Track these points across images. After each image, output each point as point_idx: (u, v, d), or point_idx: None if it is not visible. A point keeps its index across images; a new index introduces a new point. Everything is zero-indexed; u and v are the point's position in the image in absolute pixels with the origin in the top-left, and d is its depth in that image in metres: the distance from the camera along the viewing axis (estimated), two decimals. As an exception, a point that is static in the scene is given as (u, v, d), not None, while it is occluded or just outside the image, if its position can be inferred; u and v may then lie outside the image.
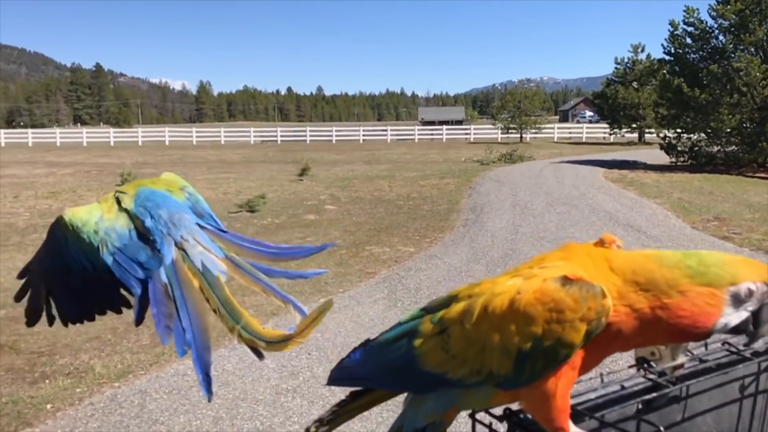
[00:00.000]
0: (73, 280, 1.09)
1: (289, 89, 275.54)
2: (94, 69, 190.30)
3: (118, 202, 1.13)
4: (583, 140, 41.81)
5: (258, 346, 1.06)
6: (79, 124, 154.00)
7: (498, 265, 7.32)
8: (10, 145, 41.99)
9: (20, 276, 1.21)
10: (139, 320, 1.07)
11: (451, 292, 0.84)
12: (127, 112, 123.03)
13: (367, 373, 0.89)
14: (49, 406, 4.01)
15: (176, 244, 1.07)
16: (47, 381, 4.43)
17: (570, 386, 0.75)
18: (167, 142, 43.52)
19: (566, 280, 0.73)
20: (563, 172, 18.76)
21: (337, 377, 0.94)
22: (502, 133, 41.84)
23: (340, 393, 3.22)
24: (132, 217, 1.10)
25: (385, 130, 47.37)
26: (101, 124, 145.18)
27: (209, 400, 1.09)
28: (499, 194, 13.64)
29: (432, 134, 46.92)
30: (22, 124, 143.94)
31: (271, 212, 11.76)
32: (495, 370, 0.75)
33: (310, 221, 10.91)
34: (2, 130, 50.90)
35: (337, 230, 10.01)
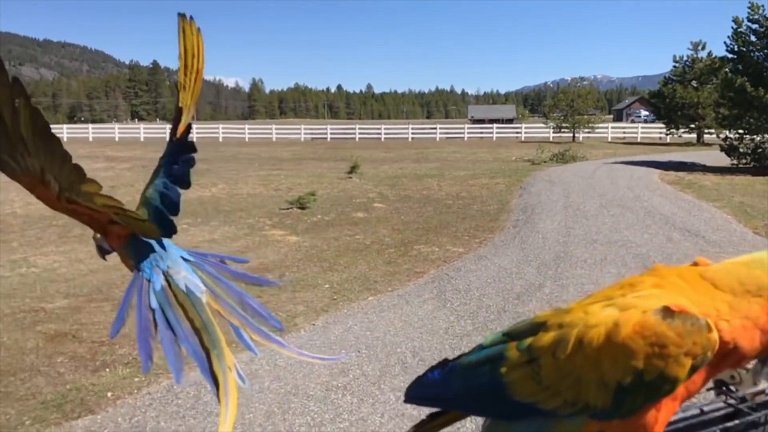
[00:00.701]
0: None
1: (339, 87, 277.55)
2: (151, 66, 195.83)
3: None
4: (638, 140, 40.74)
5: (218, 378, 1.12)
6: (136, 119, 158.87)
7: (549, 267, 7.22)
8: (72, 140, 43.64)
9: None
10: (114, 335, 1.19)
11: (535, 318, 0.83)
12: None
13: (449, 395, 0.88)
14: (109, 394, 4.16)
15: (163, 273, 1.21)
16: (107, 370, 4.60)
17: (669, 417, 0.74)
18: (221, 139, 44.46)
19: (668, 312, 0.71)
20: (617, 173, 18.34)
21: (415, 396, 0.95)
22: (553, 132, 41.15)
23: (389, 393, 3.25)
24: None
25: (434, 129, 47.20)
26: (157, 120, 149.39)
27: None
28: (551, 195, 13.44)
29: (482, 133, 46.52)
30: (82, 119, 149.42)
31: (321, 209, 11.89)
32: (591, 402, 0.73)
33: (359, 219, 10.98)
34: (65, 126, 52.97)
35: (386, 228, 10.05)
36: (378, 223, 10.52)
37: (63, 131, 47.41)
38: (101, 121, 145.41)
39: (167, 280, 1.22)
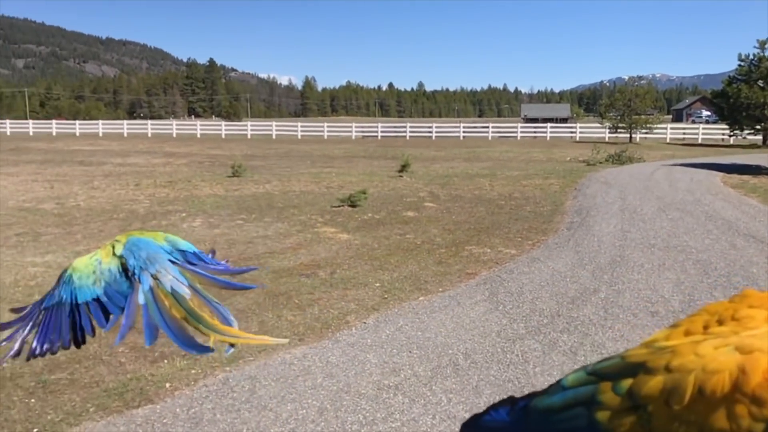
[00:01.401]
0: (56, 318, 1.42)
1: (390, 85, 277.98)
2: (207, 64, 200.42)
3: (113, 248, 1.52)
4: (699, 142, 39.40)
5: (217, 338, 1.42)
6: (193, 116, 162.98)
7: (605, 272, 7.06)
8: (132, 136, 45.07)
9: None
10: (108, 328, 1.45)
11: (627, 356, 0.76)
12: (237, 106, 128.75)
13: None
14: (167, 385, 4.29)
15: (152, 275, 1.46)
16: (165, 361, 4.73)
17: None
18: (274, 136, 45.18)
19: None
20: (676, 175, 17.78)
21: None
22: (609, 133, 40.21)
23: (441, 394, 3.23)
24: (120, 258, 1.49)
25: (486, 127, 46.75)
26: (213, 116, 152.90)
27: (209, 353, 1.45)
28: (607, 197, 13.14)
29: (535, 132, 45.84)
30: (142, 115, 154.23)
31: (372, 208, 11.94)
32: None
33: (409, 218, 10.98)
34: (125, 122, 54.79)
35: (437, 228, 10.01)
36: (429, 223, 10.50)
37: (123, 127, 49.03)
38: (159, 117, 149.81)
39: (156, 281, 1.46)
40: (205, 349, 1.41)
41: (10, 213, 11.30)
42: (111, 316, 1.44)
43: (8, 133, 47.90)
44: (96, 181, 16.42)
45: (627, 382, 0.72)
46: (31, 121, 55.85)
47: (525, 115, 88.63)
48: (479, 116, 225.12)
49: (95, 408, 3.95)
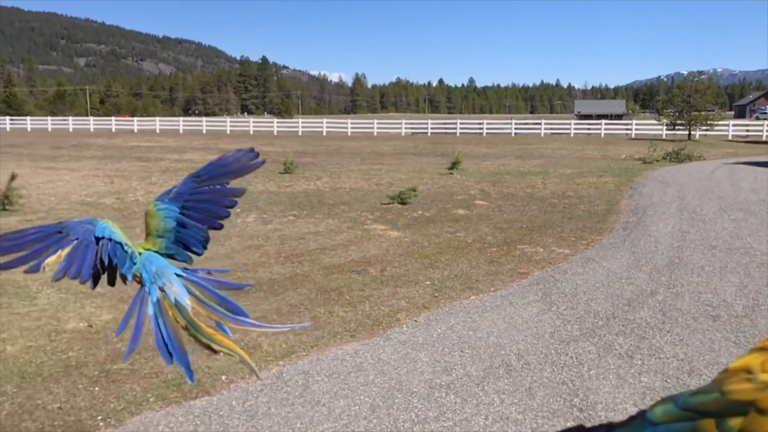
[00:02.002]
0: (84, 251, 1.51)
1: (441, 81, 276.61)
2: (260, 62, 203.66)
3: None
4: (763, 139, 37.83)
5: (216, 348, 1.60)
6: (246, 113, 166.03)
7: (663, 273, 6.87)
8: (187, 132, 46.23)
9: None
10: (119, 333, 1.58)
11: (730, 391, 0.68)
12: (288, 103, 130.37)
13: None
14: (223, 378, 4.39)
15: (160, 288, 1.60)
16: (221, 354, 4.84)
17: None
18: (324, 133, 45.60)
19: None
20: (739, 174, 17.12)
21: None
22: (667, 130, 39.01)
23: (493, 395, 3.19)
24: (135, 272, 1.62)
25: (539, 124, 46.05)
26: (265, 113, 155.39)
27: (191, 381, 1.59)
28: (664, 196, 12.76)
29: (589, 129, 44.89)
30: (197, 112, 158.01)
31: (422, 205, 11.92)
32: None
33: (460, 216, 10.92)
34: (181, 119, 56.20)
35: (488, 227, 9.93)
36: (480, 221, 10.41)
37: (179, 124, 50.32)
38: (213, 114, 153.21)
39: (163, 293, 1.62)
40: (190, 373, 1.55)
41: (73, 207, 11.76)
42: (121, 321, 1.57)
43: (71, 130, 49.83)
44: (154, 176, 16.91)
45: (736, 422, 0.65)
46: (91, 118, 57.96)
47: (578, 112, 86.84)
48: (531, 112, 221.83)
49: (155, 398, 4.08)
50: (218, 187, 1.71)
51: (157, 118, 54.61)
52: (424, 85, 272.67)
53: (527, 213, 11.16)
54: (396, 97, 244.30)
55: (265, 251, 8.32)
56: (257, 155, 1.75)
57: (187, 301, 1.61)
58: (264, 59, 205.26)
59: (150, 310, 1.57)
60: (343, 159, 23.15)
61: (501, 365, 4.45)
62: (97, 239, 1.57)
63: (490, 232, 9.51)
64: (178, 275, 1.66)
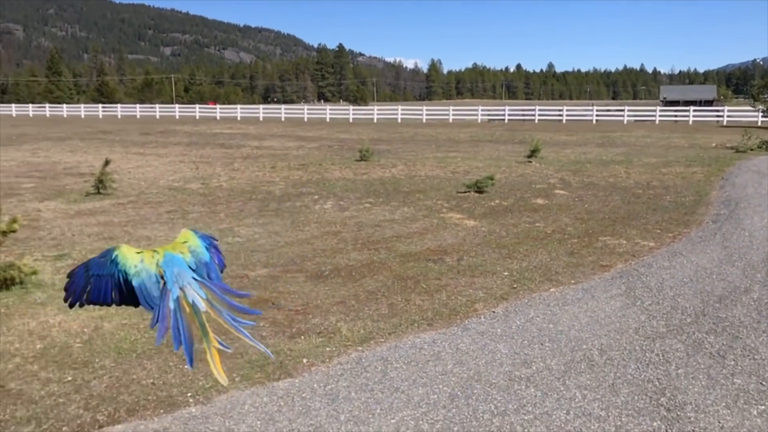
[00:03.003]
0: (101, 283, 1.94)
1: (518, 66, 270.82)
2: (336, 49, 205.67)
3: (156, 258, 1.99)
4: None
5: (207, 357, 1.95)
6: (322, 100, 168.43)
7: (758, 270, 6.50)
8: (267, 120, 47.39)
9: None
10: (153, 326, 1.93)
11: None
12: (363, 90, 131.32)
13: None
14: (305, 360, 4.50)
15: (180, 288, 1.94)
16: (302, 337, 4.97)
17: None
18: (399, 120, 45.65)
19: None
20: (844, 164, 15.92)
21: None
22: (762, 117, 36.72)
23: (575, 390, 3.13)
24: (158, 267, 1.96)
25: (622, 110, 44.36)
26: (341, 101, 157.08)
27: (191, 368, 2.12)
28: (760, 188, 12.04)
29: (676, 116, 42.86)
30: (275, 99, 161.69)
31: (499, 194, 11.76)
32: None
33: (538, 206, 10.70)
34: (261, 106, 57.64)
35: (568, 217, 9.69)
36: (559, 211, 10.17)
37: (259, 111, 51.65)
38: (291, 101, 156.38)
39: (182, 292, 1.97)
40: (191, 362, 1.94)
41: (161, 192, 12.32)
42: (152, 316, 1.93)
43: (157, 117, 52.09)
44: (236, 163, 17.46)
45: None
46: (177, 105, 60.36)
47: (664, 98, 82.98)
48: (613, 98, 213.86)
49: (240, 378, 4.24)
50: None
51: (239, 106, 56.26)
52: (502, 70, 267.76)
53: (609, 203, 10.81)
54: (472, 83, 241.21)
55: (342, 238, 8.44)
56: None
57: (202, 304, 1.98)
58: (340, 47, 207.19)
59: (171, 305, 1.96)
60: (419, 146, 23.11)
61: (583, 360, 4.35)
62: (110, 274, 1.98)
63: (570, 222, 9.28)
64: (196, 279, 2.06)
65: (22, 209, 10.24)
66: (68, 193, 12.18)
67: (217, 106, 57.21)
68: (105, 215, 9.99)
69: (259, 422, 3.60)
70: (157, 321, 1.89)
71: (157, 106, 58.38)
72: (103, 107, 59.06)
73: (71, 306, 1.94)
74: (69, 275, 1.95)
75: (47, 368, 4.39)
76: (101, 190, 11.84)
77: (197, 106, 58.67)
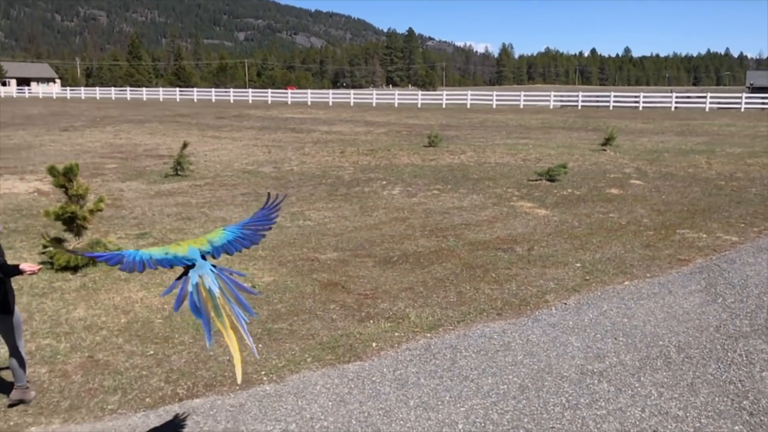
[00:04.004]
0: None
1: (593, 51, 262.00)
2: (406, 33, 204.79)
3: (182, 249, 2.79)
4: None
5: (224, 335, 2.61)
6: (390, 85, 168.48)
7: None
8: (336, 105, 47.82)
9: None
10: (165, 294, 2.92)
11: None
12: (432, 75, 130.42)
13: None
14: (374, 344, 4.56)
15: (199, 276, 2.64)
16: (371, 321, 5.04)
17: None
18: (468, 105, 45.11)
19: None
20: None
21: None
22: None
23: (651, 387, 3.03)
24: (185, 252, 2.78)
25: (703, 97, 42.28)
26: (409, 85, 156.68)
27: (209, 344, 2.65)
28: None
29: (763, 103, 40.51)
30: (344, 84, 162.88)
31: (572, 183, 11.47)
32: None
33: (613, 196, 10.39)
34: (330, 91, 58.21)
35: (644, 208, 9.36)
36: (635, 202, 9.84)
37: (329, 96, 52.18)
38: (360, 86, 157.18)
39: (201, 279, 2.67)
40: (209, 338, 2.61)
41: (236, 174, 12.67)
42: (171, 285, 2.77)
43: (231, 101, 53.41)
44: (306, 147, 17.74)
45: None
46: (250, 90, 61.71)
47: (751, 84, 78.47)
48: (694, 84, 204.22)
49: (312, 359, 4.34)
50: (254, 231, 3.09)
51: (309, 91, 56.99)
52: (575, 55, 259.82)
53: (689, 195, 10.37)
54: (544, 68, 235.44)
55: (410, 224, 8.47)
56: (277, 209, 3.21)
57: (216, 290, 2.65)
58: (410, 31, 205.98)
59: (189, 288, 2.66)
60: (488, 132, 22.79)
61: (659, 357, 4.22)
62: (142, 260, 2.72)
63: (646, 214, 8.97)
64: (212, 270, 2.77)
65: (106, 189, 10.77)
66: (148, 174, 12.70)
67: (295, 90, 58.16)
68: (183, 196, 10.38)
69: (330, 403, 3.69)
70: (169, 292, 2.76)
71: (231, 90, 59.89)
72: (180, 91, 61.06)
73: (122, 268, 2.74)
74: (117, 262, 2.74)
75: (131, 341, 4.63)
76: (179, 172, 12.30)
77: (269, 90, 59.82)
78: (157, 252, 2.74)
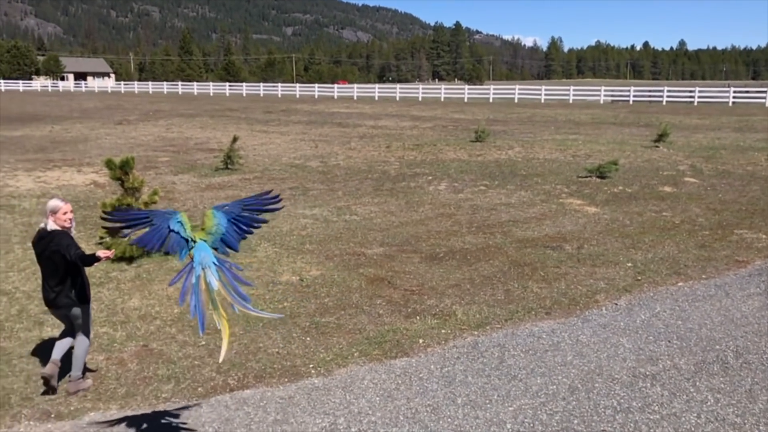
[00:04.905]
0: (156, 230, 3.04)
1: (646, 44, 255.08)
2: (453, 27, 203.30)
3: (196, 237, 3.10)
4: None
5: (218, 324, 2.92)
6: (437, 79, 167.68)
7: None
8: (382, 99, 47.88)
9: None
10: (172, 284, 3.26)
11: None
12: (479, 69, 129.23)
13: None
14: (420, 341, 4.57)
15: (203, 269, 2.90)
16: (418, 317, 5.04)
17: None
18: (516, 100, 44.53)
19: None
20: None
21: None
22: None
23: (707, 392, 2.94)
24: (191, 249, 3.02)
25: (763, 92, 40.68)
26: (455, 79, 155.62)
27: (201, 333, 2.99)
28: None
29: (827, 98, 38.68)
30: (390, 78, 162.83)
31: (623, 180, 11.21)
32: None
33: (666, 194, 10.11)
34: (377, 86, 58.31)
35: (699, 207, 9.08)
36: (689, 200, 9.56)
37: (375, 91, 52.26)
38: (406, 80, 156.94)
39: (203, 272, 2.89)
40: (202, 328, 2.86)
41: (283, 168, 12.83)
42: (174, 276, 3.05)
43: (279, 95, 54.07)
44: (352, 142, 17.82)
45: None
46: (297, 85, 62.35)
47: (814, 78, 75.10)
48: (753, 78, 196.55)
49: (359, 353, 4.37)
50: (252, 214, 3.18)
51: (355, 85, 57.21)
52: (627, 48, 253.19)
53: (747, 194, 10.01)
54: (594, 62, 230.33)
55: (456, 220, 8.42)
56: (279, 200, 3.29)
57: (216, 284, 2.89)
58: (457, 25, 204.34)
59: (192, 280, 2.89)
60: (536, 128, 22.45)
61: (715, 361, 4.10)
62: (170, 230, 2.96)
63: (701, 213, 8.70)
64: (214, 264, 2.97)
65: (160, 181, 11.05)
66: (199, 167, 12.98)
67: (345, 85, 58.52)
68: (233, 189, 10.57)
69: (378, 398, 3.71)
70: (176, 281, 3.01)
71: (279, 85, 60.58)
72: (230, 85, 62.11)
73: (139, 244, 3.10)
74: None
75: (183, 331, 4.75)
76: (229, 166, 12.52)
77: (316, 85, 60.28)
78: (185, 227, 3.03)
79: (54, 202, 3.71)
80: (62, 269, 3.66)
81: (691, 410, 3.48)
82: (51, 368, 3.68)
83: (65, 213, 3.70)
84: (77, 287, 3.75)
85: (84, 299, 3.80)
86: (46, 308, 5.12)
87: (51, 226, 3.67)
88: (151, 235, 2.95)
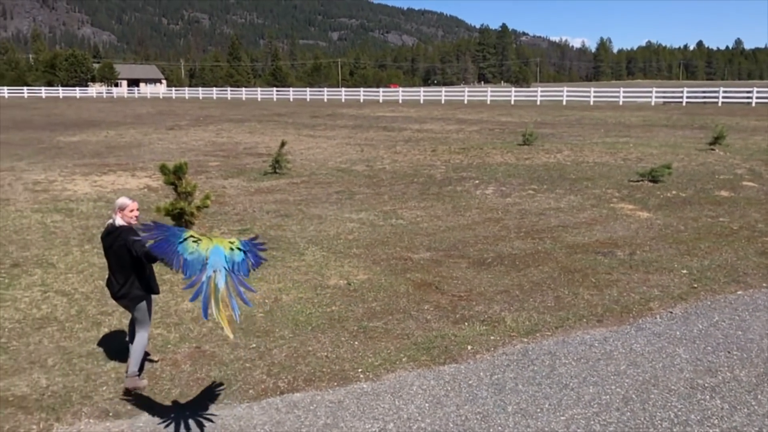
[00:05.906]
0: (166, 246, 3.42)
1: (699, 44, 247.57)
2: (499, 29, 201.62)
3: (210, 246, 3.44)
4: None
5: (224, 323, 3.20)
6: (482, 82, 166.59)
7: None
8: (427, 102, 47.81)
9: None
10: (187, 288, 3.41)
11: None
12: (526, 71, 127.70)
13: None
14: (469, 347, 4.53)
15: (214, 270, 3.28)
16: (466, 324, 5.00)
17: None
18: (564, 102, 43.83)
19: None
20: None
21: None
22: None
23: (766, 403, 2.83)
24: (207, 252, 3.36)
25: (826, 92, 38.97)
26: (502, 82, 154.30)
27: (205, 318, 3.30)
28: None
29: None
30: (435, 81, 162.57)
31: (677, 184, 10.90)
32: None
33: (723, 198, 9.78)
34: (422, 89, 58.26)
35: (758, 212, 8.76)
36: (748, 205, 9.23)
37: (420, 94, 52.27)
38: (451, 83, 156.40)
39: (214, 274, 3.23)
40: (205, 314, 3.20)
41: (330, 173, 12.94)
42: (189, 282, 3.26)
43: (325, 100, 54.59)
44: (398, 146, 17.85)
45: None
46: (343, 89, 62.87)
47: None
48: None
49: (407, 359, 4.36)
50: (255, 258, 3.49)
51: (400, 89, 57.33)
52: (679, 48, 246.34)
53: (810, 198, 9.60)
54: (645, 63, 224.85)
55: (504, 225, 8.34)
56: (264, 249, 3.56)
57: (223, 287, 3.19)
58: (503, 27, 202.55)
59: (204, 278, 3.19)
60: (585, 130, 22.05)
61: (778, 374, 3.94)
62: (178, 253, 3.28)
63: (761, 218, 8.38)
64: (225, 268, 3.26)
65: (210, 186, 11.29)
66: (248, 171, 13.21)
67: (380, 89, 58.76)
68: (281, 193, 10.72)
69: (427, 404, 3.69)
70: (191, 285, 3.22)
71: (325, 89, 61.21)
72: (277, 91, 63.08)
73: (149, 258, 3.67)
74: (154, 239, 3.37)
75: (235, 334, 4.83)
76: (277, 170, 12.71)
77: (361, 89, 60.70)
78: (189, 249, 3.33)
79: (122, 200, 3.97)
80: (128, 263, 3.83)
81: (752, 424, 3.35)
82: (131, 382, 3.86)
83: (132, 210, 3.96)
84: (143, 281, 3.92)
85: (150, 290, 3.97)
86: (103, 309, 5.33)
87: (118, 221, 3.90)
88: (162, 248, 3.35)
